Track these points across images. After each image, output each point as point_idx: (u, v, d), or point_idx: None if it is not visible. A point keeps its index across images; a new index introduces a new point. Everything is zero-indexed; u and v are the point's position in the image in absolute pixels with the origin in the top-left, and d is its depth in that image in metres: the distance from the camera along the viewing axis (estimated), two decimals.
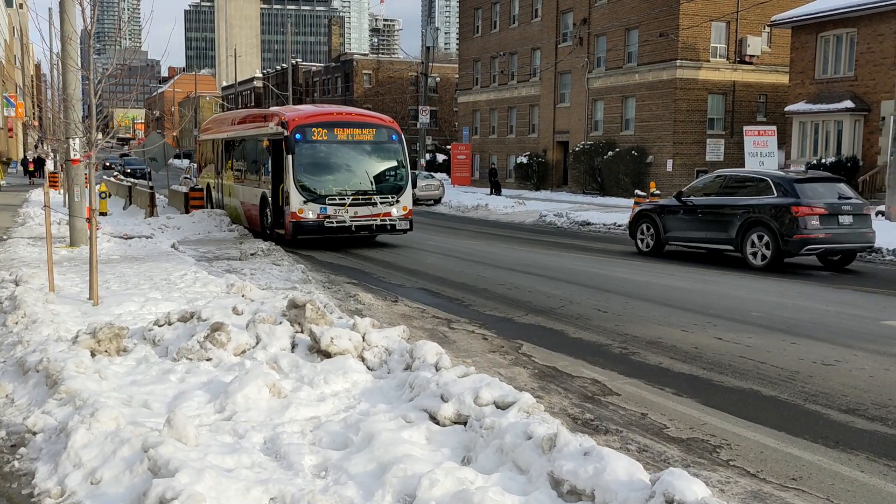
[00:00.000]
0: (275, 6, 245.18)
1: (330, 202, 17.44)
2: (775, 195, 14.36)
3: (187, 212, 23.76)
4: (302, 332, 7.13)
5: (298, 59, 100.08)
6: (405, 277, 13.66)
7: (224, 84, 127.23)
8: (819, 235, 13.90)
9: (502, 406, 5.08)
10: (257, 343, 6.90)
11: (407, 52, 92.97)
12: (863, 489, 4.80)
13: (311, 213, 17.32)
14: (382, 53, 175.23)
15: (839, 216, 14.10)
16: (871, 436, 5.69)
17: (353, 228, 17.66)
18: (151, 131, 62.21)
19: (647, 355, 8.05)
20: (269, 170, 18.80)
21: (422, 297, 11.55)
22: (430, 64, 47.91)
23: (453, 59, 75.17)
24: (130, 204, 28.92)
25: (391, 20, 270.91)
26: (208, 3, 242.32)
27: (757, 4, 35.98)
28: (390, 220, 17.99)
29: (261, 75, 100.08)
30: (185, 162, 70.02)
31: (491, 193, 40.73)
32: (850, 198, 14.50)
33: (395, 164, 18.62)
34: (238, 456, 4.58)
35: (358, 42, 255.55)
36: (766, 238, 14.23)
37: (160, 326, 7.29)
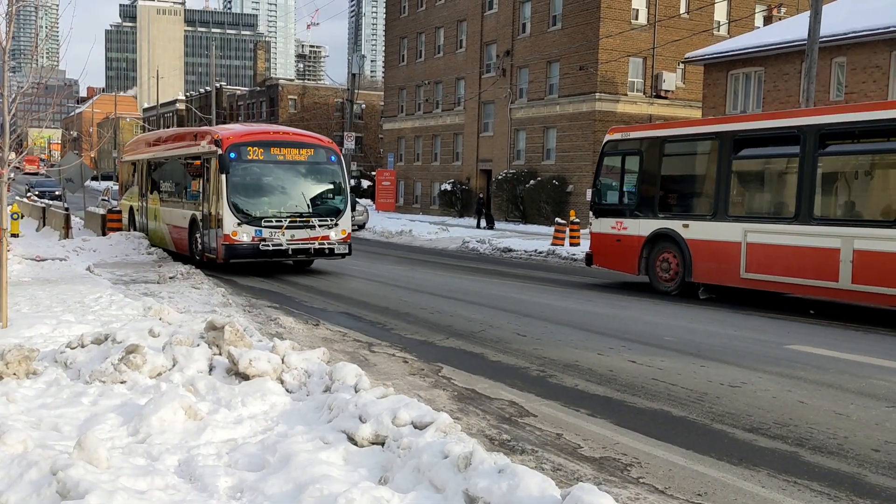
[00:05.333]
0: (199, 29, 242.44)
1: (266, 224, 16.89)
2: None
3: (104, 234, 23.18)
4: (220, 354, 7.06)
5: (223, 83, 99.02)
6: (327, 301, 13.62)
7: (146, 105, 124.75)
8: None
9: (420, 426, 5.14)
10: (174, 365, 6.80)
11: (333, 79, 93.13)
12: (763, 503, 5.03)
13: (245, 235, 16.73)
14: (308, 79, 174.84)
15: None
16: (772, 453, 5.95)
17: (290, 252, 17.13)
18: (68, 152, 60.44)
19: (564, 378, 8.23)
20: (200, 191, 18.16)
21: (343, 321, 11.55)
22: (356, 91, 48.00)
23: (379, 87, 75.59)
24: (44, 226, 28.02)
25: (317, 47, 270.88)
26: (130, 24, 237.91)
27: (672, 42, 37.40)
28: (329, 243, 17.49)
29: (184, 98, 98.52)
30: (104, 184, 68.26)
31: (480, 226, 36.74)
32: None
33: (333, 186, 18.20)
34: (151, 478, 4.52)
35: (284, 67, 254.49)
36: None
37: (73, 349, 7.12)
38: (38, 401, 6.15)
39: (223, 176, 16.73)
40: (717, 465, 5.67)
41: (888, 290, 11.67)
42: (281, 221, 16.98)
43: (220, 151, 16.88)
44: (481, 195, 41.08)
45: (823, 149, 12.70)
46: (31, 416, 5.62)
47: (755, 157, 14.07)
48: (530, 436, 6.28)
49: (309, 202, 17.59)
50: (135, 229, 23.29)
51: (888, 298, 11.82)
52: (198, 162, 18.32)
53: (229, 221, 16.66)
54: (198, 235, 18.28)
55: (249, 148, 17.15)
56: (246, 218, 16.77)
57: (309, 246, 17.28)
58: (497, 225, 38.30)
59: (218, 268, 17.43)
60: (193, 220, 18.52)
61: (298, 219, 17.21)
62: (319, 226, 17.35)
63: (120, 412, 5.78)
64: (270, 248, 16.85)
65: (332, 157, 18.16)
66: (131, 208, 24.24)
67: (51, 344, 8.06)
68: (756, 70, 31.00)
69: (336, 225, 17.66)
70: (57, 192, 44.97)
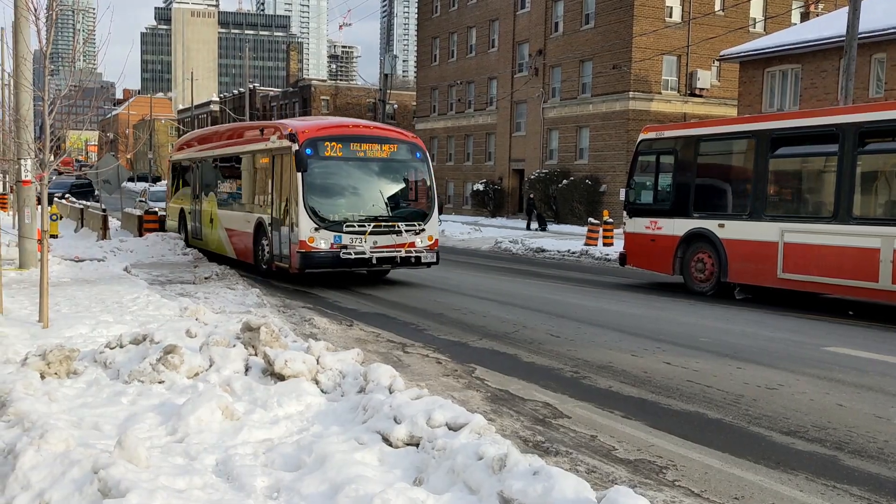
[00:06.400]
0: (233, 31, 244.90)
1: (347, 229, 14.94)
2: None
3: (141, 235, 23.50)
4: (256, 354, 7.13)
5: (256, 84, 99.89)
6: (360, 302, 13.68)
7: (180, 107, 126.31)
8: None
9: (454, 428, 5.15)
10: (210, 366, 6.88)
11: (365, 79, 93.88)
12: None
13: (323, 242, 14.81)
14: (341, 80, 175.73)
15: None
16: (810, 456, 5.87)
17: (374, 261, 15.17)
18: (105, 153, 61.46)
19: (598, 379, 8.20)
20: (270, 192, 16.31)
21: (377, 322, 11.60)
22: (388, 91, 48.19)
23: (411, 87, 75.78)
24: (82, 227, 28.50)
25: (350, 47, 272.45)
26: (165, 27, 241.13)
27: (706, 39, 37.01)
28: (416, 251, 15.48)
29: (218, 99, 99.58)
30: (140, 185, 69.22)
31: (531, 228, 35.84)
32: None
33: (420, 186, 16.31)
34: (190, 477, 4.58)
35: (316, 68, 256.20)
36: None
37: (112, 349, 7.24)
38: (78, 400, 6.26)
39: (299, 175, 14.80)
40: (755, 469, 5.61)
41: None
42: (364, 226, 15.05)
43: (295, 147, 14.97)
44: (531, 196, 39.36)
45: (863, 147, 12.50)
46: (72, 415, 5.72)
47: (792, 155, 13.90)
48: (564, 437, 6.26)
49: (394, 204, 15.80)
50: (186, 235, 22.08)
51: None
52: (265, 159, 16.66)
53: (305, 226, 14.75)
54: (264, 242, 16.56)
55: (327, 143, 15.21)
56: (324, 222, 14.87)
57: (394, 254, 15.30)
58: (529, 225, 38.06)
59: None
60: (259, 225, 16.74)
61: (384, 223, 15.28)
62: (406, 231, 15.43)
63: (158, 412, 5.87)
64: (352, 256, 14.89)
65: (418, 154, 16.22)
66: (182, 212, 22.77)
67: (90, 344, 8.20)
68: (793, 67, 30.58)
69: (423, 230, 15.68)
70: (65, 193, 44.90)
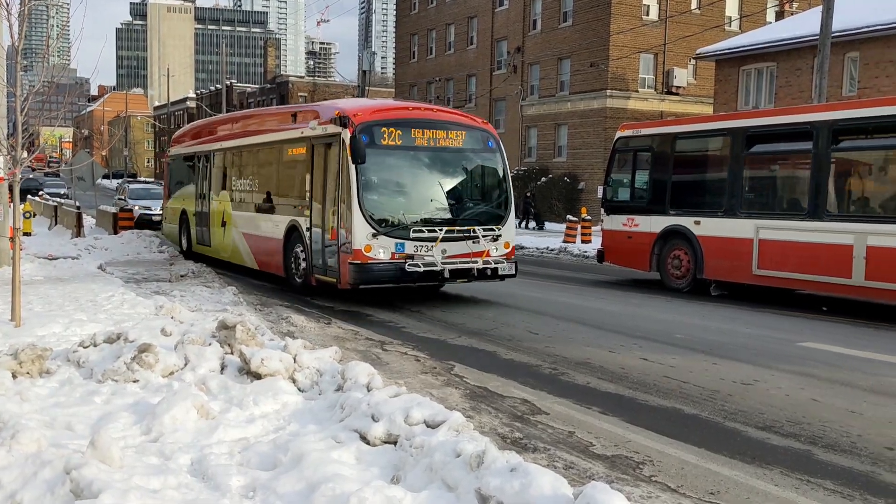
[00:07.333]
0: (209, 27, 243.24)
1: (415, 235, 12.26)
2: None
3: (116, 232, 23.28)
4: (232, 353, 7.08)
5: (233, 80, 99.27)
6: (338, 300, 13.61)
7: (157, 104, 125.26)
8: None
9: (432, 425, 5.14)
10: (186, 364, 6.82)
11: (343, 76, 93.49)
12: (776, 502, 5.00)
13: (382, 251, 12.10)
14: (319, 76, 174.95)
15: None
16: (784, 451, 5.92)
17: (447, 274, 12.47)
18: (80, 150, 60.87)
19: (576, 375, 8.22)
20: (307, 189, 13.59)
21: (355, 320, 11.56)
22: (367, 88, 48.03)
23: (390, 84, 75.72)
24: (56, 224, 28.18)
25: (328, 43, 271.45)
26: (141, 22, 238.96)
27: (683, 38, 37.26)
28: (494, 261, 12.80)
29: (194, 95, 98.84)
30: (116, 182, 68.52)
31: (529, 227, 34.74)
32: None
33: (494, 181, 13.65)
34: (164, 477, 4.53)
35: (294, 64, 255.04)
36: None
37: (85, 348, 7.15)
38: (51, 399, 6.18)
39: (353, 168, 12.09)
40: (730, 464, 5.65)
41: None
42: (435, 231, 12.38)
43: (347, 133, 12.25)
44: (528, 193, 37.04)
45: (836, 145, 12.64)
46: (44, 415, 5.65)
47: (767, 153, 14.03)
48: (542, 434, 6.27)
49: (466, 205, 13.17)
50: (189, 241, 19.52)
51: None
52: (300, 149, 14.00)
53: (361, 231, 12.05)
54: (299, 250, 13.79)
55: (384, 129, 12.49)
56: (383, 227, 12.18)
57: (470, 265, 12.58)
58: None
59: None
60: (292, 230, 13.98)
61: (457, 228, 12.62)
62: (483, 237, 12.78)
63: (133, 411, 5.80)
64: (420, 269, 12.17)
65: (490, 143, 13.53)
66: (183, 214, 19.91)
67: (63, 343, 8.10)
68: (768, 65, 30.85)
69: (499, 236, 13.05)
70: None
